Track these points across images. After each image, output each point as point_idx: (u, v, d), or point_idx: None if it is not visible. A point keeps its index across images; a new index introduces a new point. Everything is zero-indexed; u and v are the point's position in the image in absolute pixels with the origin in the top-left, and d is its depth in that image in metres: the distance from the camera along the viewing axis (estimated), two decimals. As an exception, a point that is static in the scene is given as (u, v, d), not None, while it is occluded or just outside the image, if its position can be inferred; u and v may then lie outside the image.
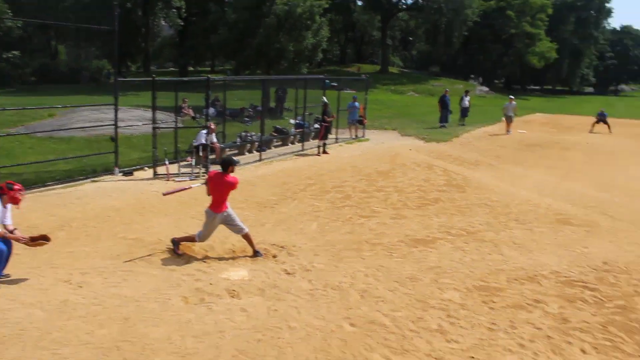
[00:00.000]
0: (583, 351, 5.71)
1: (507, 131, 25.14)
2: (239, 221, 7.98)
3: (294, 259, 7.95)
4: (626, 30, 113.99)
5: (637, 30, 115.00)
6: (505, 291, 7.14)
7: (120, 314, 6.01)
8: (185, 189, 8.62)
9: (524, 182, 14.53)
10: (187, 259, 7.79)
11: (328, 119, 17.80)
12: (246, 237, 7.98)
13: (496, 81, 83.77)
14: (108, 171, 13.11)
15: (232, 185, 7.81)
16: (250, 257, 7.93)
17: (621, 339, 6.01)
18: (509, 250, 8.78)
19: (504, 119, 25.96)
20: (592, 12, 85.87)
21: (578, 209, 11.74)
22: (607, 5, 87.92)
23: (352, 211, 10.82)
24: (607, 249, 9.10)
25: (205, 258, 7.86)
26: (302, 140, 18.80)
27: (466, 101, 27.86)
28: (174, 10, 43.83)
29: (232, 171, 7.93)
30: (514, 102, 25.96)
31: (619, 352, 5.74)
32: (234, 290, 6.72)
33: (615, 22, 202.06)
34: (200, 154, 13.94)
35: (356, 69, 64.26)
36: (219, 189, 7.78)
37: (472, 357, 5.48)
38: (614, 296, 7.16)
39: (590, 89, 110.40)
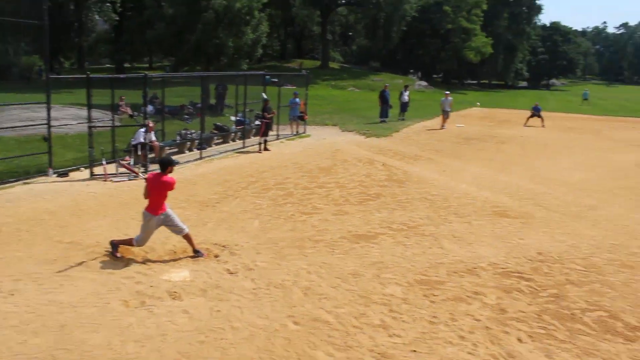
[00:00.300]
0: (519, 340, 5.92)
1: (442, 126, 25.65)
2: (178, 221, 7.85)
3: (236, 258, 7.90)
4: (555, 27, 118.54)
5: (565, 26, 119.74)
6: (445, 284, 7.31)
7: (57, 321, 5.82)
8: (135, 173, 8.44)
9: (463, 175, 14.90)
10: (127, 261, 7.59)
11: (268, 116, 17.71)
12: (186, 237, 7.87)
13: (435, 76, 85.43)
14: (41, 172, 12.62)
15: (169, 186, 7.65)
16: (192, 257, 7.82)
17: (554, 326, 6.27)
18: (449, 244, 8.99)
19: (442, 114, 26.45)
20: (524, 8, 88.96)
21: (514, 201, 12.14)
22: (537, 2, 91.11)
23: (294, 208, 10.83)
24: (541, 240, 9.46)
25: (145, 260, 7.69)
26: (243, 137, 18.68)
27: (405, 96, 28.28)
28: (109, 4, 42.66)
29: (171, 171, 7.79)
30: (450, 98, 26.48)
31: (552, 339, 5.98)
32: (175, 292, 6.62)
33: (545, 18, 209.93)
34: (139, 153, 13.64)
35: (298, 64, 64.25)
36: (157, 190, 7.63)
37: (414, 351, 5.59)
38: (547, 285, 7.45)
39: (524, 83, 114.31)
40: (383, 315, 6.32)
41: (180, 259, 7.81)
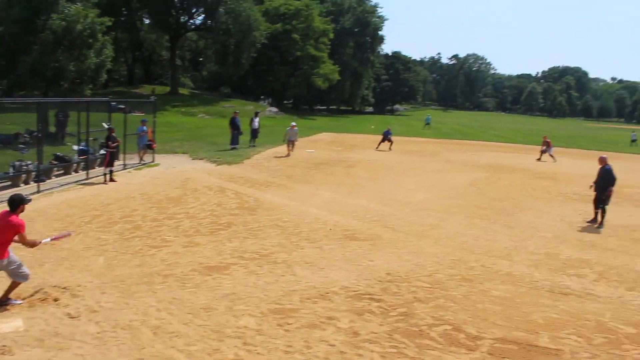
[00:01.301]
0: (372, 362, 6.12)
1: (288, 154, 25.58)
2: (24, 267, 7.17)
3: (78, 300, 7.37)
4: (396, 56, 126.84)
5: (405, 56, 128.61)
6: (299, 311, 7.38)
7: None
8: None
9: (314, 200, 15.25)
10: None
11: (113, 145, 16.89)
12: (14, 283, 7.17)
13: (285, 102, 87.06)
14: None
15: (18, 228, 6.94)
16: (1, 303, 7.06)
17: (404, 344, 6.59)
18: (301, 270, 9.12)
19: (286, 143, 26.17)
20: (367, 38, 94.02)
21: (363, 224, 12.65)
22: (380, 32, 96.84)
23: (143, 242, 10.39)
24: (389, 260, 9.93)
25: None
26: (87, 168, 17.63)
27: (256, 122, 28.44)
28: None
29: (22, 210, 7.12)
30: (295, 128, 26.63)
31: (403, 357, 6.27)
32: (5, 346, 5.98)
33: (387, 48, 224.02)
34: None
35: (151, 90, 62.34)
36: (1, 230, 6.89)
37: (268, 384, 5.56)
38: (397, 304, 7.81)
39: (371, 109, 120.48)
40: (237, 349, 6.23)
41: (12, 304, 7.12)
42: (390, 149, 31.40)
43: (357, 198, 15.90)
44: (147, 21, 68.53)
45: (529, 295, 8.48)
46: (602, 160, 14.45)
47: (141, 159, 20.69)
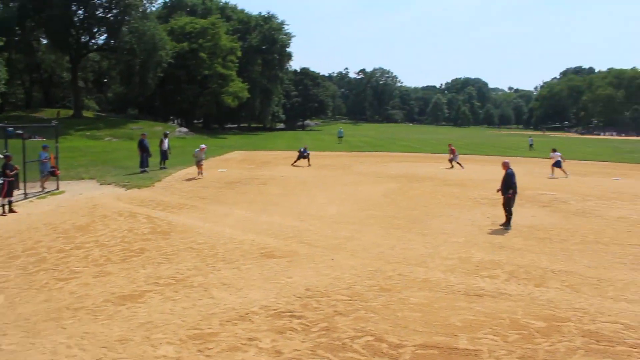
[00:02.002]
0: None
1: (199, 173, 25.08)
2: None
3: (-23, 344, 6.84)
4: (305, 72, 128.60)
5: (314, 72, 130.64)
6: (219, 335, 7.21)
7: None
8: None
9: (228, 220, 15.02)
10: None
11: (11, 173, 15.92)
12: None
13: (195, 121, 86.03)
14: None
15: None
16: None
17: (328, 359, 6.57)
18: (219, 292, 8.92)
19: (195, 165, 25.54)
20: (275, 55, 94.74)
21: (279, 241, 12.58)
22: (288, 49, 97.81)
23: (49, 275, 9.80)
24: (307, 276, 9.91)
25: None
26: (-17, 199, 16.51)
27: (166, 144, 27.77)
28: None
29: None
30: (204, 147, 26.14)
31: (324, 373, 6.23)
32: None
33: (295, 64, 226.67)
34: None
35: (56, 114, 59.70)
36: None
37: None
38: (318, 320, 7.79)
39: (282, 125, 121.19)
40: (155, 380, 5.99)
41: None
42: (309, 164, 31.67)
43: (271, 215, 15.82)
44: (44, 41, 65.52)
45: (445, 300, 8.71)
46: (505, 165, 15.17)
47: (43, 187, 19.63)
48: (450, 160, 32.69)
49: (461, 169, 31.67)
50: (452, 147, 33.46)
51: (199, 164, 25.19)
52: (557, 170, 28.48)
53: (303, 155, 32.13)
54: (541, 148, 53.51)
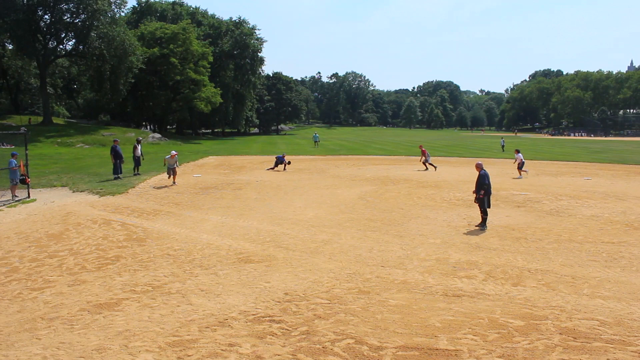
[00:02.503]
0: (276, 386, 6.00)
1: (174, 182, 24.35)
2: None
3: (-52, 357, 6.65)
4: (278, 76, 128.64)
5: (286, 76, 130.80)
6: (198, 341, 7.12)
7: None
8: None
9: (204, 226, 14.88)
10: None
11: (-18, 182, 15.61)
12: None
13: (168, 127, 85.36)
14: None
15: None
16: None
17: (309, 363, 6.52)
18: (197, 298, 8.82)
19: (167, 172, 24.76)
20: (247, 60, 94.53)
21: (256, 246, 12.50)
22: (260, 54, 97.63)
23: (22, 285, 9.59)
24: (286, 280, 9.85)
25: None
26: (-49, 208, 16.15)
27: (139, 150, 27.49)
28: None
29: None
30: (176, 156, 24.80)
31: (307, 378, 6.19)
32: None
33: (268, 69, 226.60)
34: None
35: (27, 120, 58.64)
36: None
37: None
38: (297, 324, 7.74)
39: (256, 130, 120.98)
40: (134, 390, 5.88)
41: None
42: (285, 169, 31.68)
43: (248, 220, 15.73)
44: (10, 46, 64.26)
45: (425, 301, 8.73)
46: (478, 167, 15.33)
47: (14, 195, 19.24)
48: (424, 162, 32.90)
49: (434, 170, 31.94)
50: (423, 149, 33.70)
51: (172, 171, 24.35)
52: (523, 170, 28.87)
53: (281, 161, 32.07)
54: (512, 149, 54.26)
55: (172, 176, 24.45)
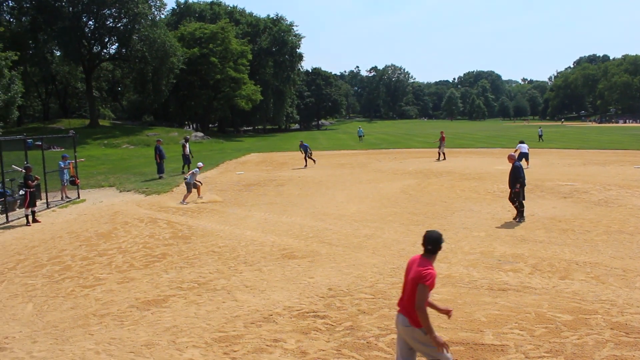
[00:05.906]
0: (322, 381, 6.03)
1: (199, 196, 19.99)
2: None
3: (7, 353, 6.90)
4: (317, 72, 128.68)
5: (325, 71, 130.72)
6: (244, 337, 7.20)
7: None
8: None
9: (248, 222, 15.05)
10: None
11: (32, 184, 16.11)
12: None
13: (210, 125, 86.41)
14: None
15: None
16: None
17: (354, 358, 6.53)
18: (242, 295, 8.92)
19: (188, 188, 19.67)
20: (286, 56, 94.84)
21: (300, 241, 12.57)
22: (298, 50, 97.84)
23: (74, 283, 9.91)
24: (329, 275, 9.86)
25: None
26: (6, 210, 16.73)
27: (187, 148, 28.01)
28: None
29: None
30: (200, 168, 20.96)
31: (352, 372, 6.19)
32: None
33: (307, 65, 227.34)
34: None
35: (65, 124, 60.27)
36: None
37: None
38: (342, 319, 7.75)
39: (297, 126, 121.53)
40: (183, 384, 6.00)
41: None
42: (315, 163, 31.67)
43: (291, 216, 15.84)
44: (58, 53, 66.22)
45: (469, 295, 8.63)
46: (511, 158, 15.04)
47: (65, 196, 19.87)
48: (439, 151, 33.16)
49: (443, 159, 32.13)
50: (444, 135, 33.65)
51: (195, 187, 19.87)
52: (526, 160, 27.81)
53: (305, 149, 31.81)
54: (557, 139, 52.97)
55: (198, 192, 20.08)
